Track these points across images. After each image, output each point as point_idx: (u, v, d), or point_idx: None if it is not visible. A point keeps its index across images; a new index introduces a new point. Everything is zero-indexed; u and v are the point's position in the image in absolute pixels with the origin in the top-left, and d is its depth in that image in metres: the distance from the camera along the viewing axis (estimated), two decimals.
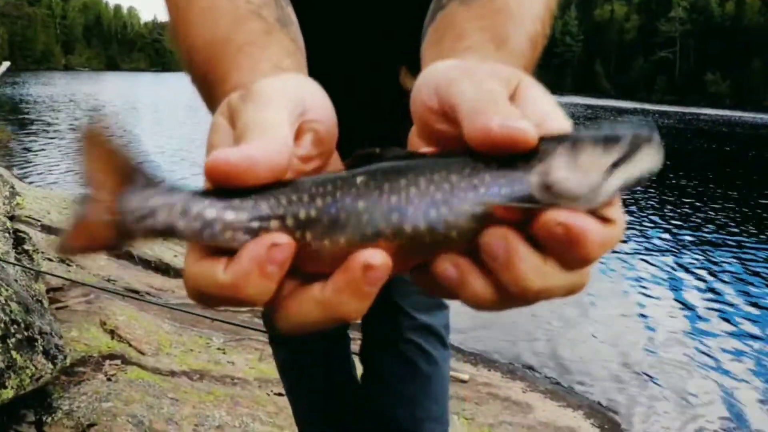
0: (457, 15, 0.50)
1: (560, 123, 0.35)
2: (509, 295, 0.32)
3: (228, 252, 0.32)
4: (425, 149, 0.38)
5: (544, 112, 0.35)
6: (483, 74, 0.36)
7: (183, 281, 0.34)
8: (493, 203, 0.31)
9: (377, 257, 0.31)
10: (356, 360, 1.31)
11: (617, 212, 0.32)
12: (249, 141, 0.32)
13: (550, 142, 0.32)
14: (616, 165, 0.31)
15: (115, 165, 0.33)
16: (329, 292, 0.31)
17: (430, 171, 0.32)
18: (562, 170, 0.31)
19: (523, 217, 0.31)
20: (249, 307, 0.32)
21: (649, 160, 0.32)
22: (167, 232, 0.32)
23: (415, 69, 0.50)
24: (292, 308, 0.32)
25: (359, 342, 1.22)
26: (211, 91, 0.47)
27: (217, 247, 0.32)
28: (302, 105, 0.37)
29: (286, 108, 0.35)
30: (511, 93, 0.36)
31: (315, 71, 0.49)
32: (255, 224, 0.31)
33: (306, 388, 1.26)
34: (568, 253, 0.31)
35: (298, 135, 0.36)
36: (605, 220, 0.31)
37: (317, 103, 0.38)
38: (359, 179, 0.32)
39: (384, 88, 0.87)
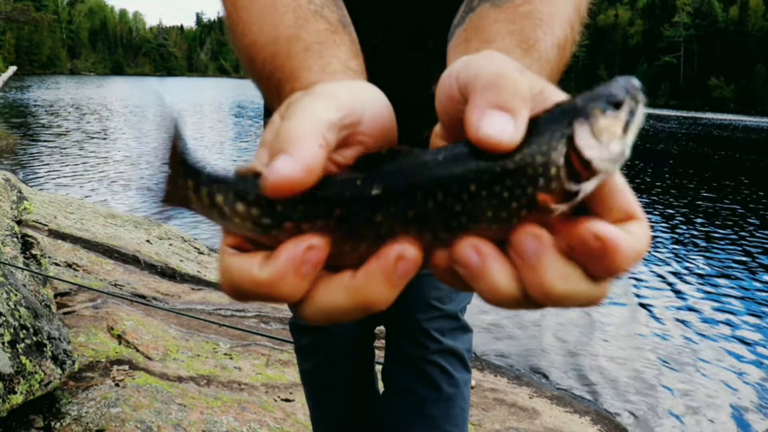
0: (486, 18, 0.50)
1: None
2: (529, 296, 0.32)
3: (256, 244, 0.33)
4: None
5: None
6: (504, 60, 0.36)
7: (218, 272, 0.35)
8: (509, 207, 0.31)
9: (410, 251, 0.32)
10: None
11: (642, 226, 0.33)
12: (278, 152, 0.32)
13: (553, 117, 0.32)
14: (628, 124, 0.32)
15: (176, 147, 0.36)
16: (360, 278, 0.32)
17: (444, 162, 0.32)
18: (589, 142, 0.31)
19: (542, 222, 0.32)
20: (281, 303, 0.33)
21: (642, 110, 0.33)
22: (213, 206, 0.34)
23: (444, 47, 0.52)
24: (321, 295, 0.33)
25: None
26: (278, 89, 0.48)
27: (247, 236, 0.33)
28: (357, 116, 0.36)
29: (326, 120, 0.34)
30: (537, 94, 0.35)
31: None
32: (278, 221, 0.33)
33: (327, 397, 1.26)
34: (600, 264, 0.31)
35: (344, 144, 0.36)
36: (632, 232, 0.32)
37: (376, 117, 0.38)
38: (375, 191, 0.33)
39: (410, 58, 0.90)
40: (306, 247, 0.32)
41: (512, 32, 0.48)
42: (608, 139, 0.31)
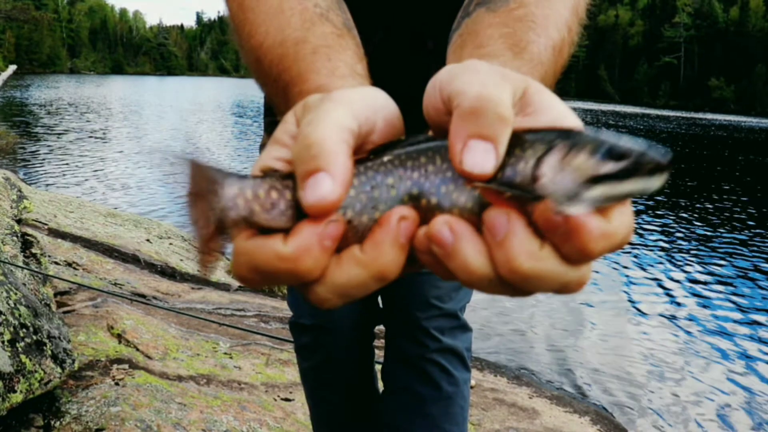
0: (481, 22, 0.50)
1: (572, 123, 0.36)
2: (500, 275, 0.32)
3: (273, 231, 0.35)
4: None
5: (557, 115, 0.36)
6: (486, 70, 0.36)
7: (232, 259, 0.36)
8: (485, 186, 0.33)
9: (408, 212, 0.34)
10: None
11: (622, 213, 0.32)
12: (312, 166, 0.33)
13: (555, 134, 0.33)
14: (606, 178, 0.31)
15: (206, 177, 0.36)
16: (369, 247, 0.34)
17: (445, 150, 0.35)
18: (550, 168, 0.32)
19: (514, 204, 0.32)
20: (299, 281, 0.34)
21: (644, 184, 0.32)
22: (248, 219, 0.35)
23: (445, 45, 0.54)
24: (335, 272, 0.34)
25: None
26: (285, 91, 0.49)
27: (278, 227, 0.35)
28: (370, 124, 0.38)
29: (347, 127, 0.35)
30: (520, 97, 0.36)
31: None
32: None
33: (326, 396, 1.27)
34: (567, 243, 0.31)
35: (358, 151, 0.37)
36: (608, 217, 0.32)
37: (388, 125, 0.39)
38: (386, 158, 0.36)
39: (409, 57, 0.92)
40: (327, 222, 0.33)
41: (504, 35, 0.48)
42: (568, 174, 0.31)
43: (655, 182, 0.32)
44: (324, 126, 0.35)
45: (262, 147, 1.17)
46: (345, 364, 1.21)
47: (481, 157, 0.32)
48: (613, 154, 0.32)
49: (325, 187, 0.33)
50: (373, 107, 0.38)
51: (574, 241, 0.31)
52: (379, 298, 1.20)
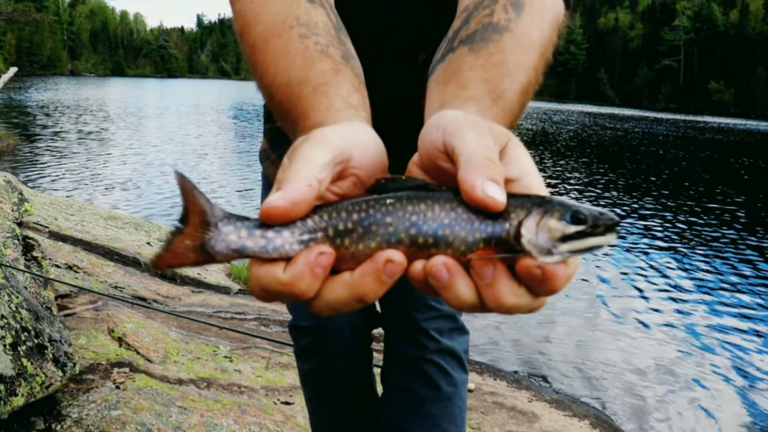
0: (463, 63, 0.58)
1: (536, 179, 0.45)
2: (485, 305, 0.42)
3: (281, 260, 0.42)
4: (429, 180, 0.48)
5: (524, 169, 0.45)
6: (483, 129, 0.45)
7: (249, 278, 0.44)
8: (479, 238, 0.41)
9: (397, 256, 0.41)
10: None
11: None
12: (278, 189, 0.42)
13: (531, 202, 0.42)
14: (572, 237, 0.41)
15: (198, 204, 0.43)
16: (356, 275, 0.41)
17: (443, 201, 0.43)
18: (528, 230, 0.41)
19: (497, 253, 0.41)
20: (299, 300, 0.42)
21: (601, 240, 0.41)
22: (239, 252, 0.42)
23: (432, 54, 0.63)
24: (326, 290, 0.42)
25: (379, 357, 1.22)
26: (293, 126, 0.56)
27: (278, 257, 0.42)
28: (347, 154, 0.46)
29: (319, 162, 0.43)
30: (500, 150, 0.45)
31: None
32: (305, 237, 0.42)
33: (326, 398, 1.27)
34: (542, 286, 0.41)
35: (339, 178, 0.45)
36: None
37: (364, 152, 0.48)
38: (389, 200, 0.43)
39: (403, 69, 0.96)
40: (318, 253, 0.41)
41: (484, 80, 0.56)
42: (544, 234, 0.40)
43: (609, 239, 0.42)
44: (298, 164, 0.43)
45: (262, 153, 1.19)
46: (344, 365, 1.22)
47: (498, 192, 0.41)
48: (575, 218, 0.41)
49: (273, 198, 0.41)
50: (350, 140, 0.47)
51: (548, 285, 0.40)
52: (377, 301, 1.21)
